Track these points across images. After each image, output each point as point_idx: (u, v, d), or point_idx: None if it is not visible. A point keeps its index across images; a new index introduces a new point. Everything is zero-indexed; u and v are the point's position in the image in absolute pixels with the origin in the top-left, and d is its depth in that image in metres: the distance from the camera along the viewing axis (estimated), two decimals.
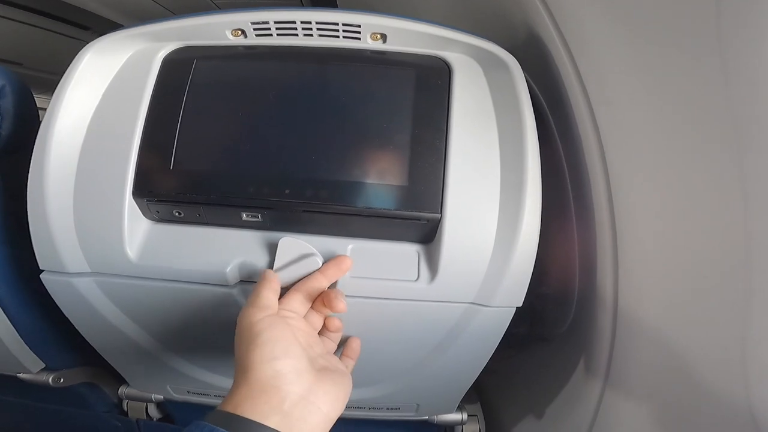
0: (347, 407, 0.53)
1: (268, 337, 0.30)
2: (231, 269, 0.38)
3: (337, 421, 0.32)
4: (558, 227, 0.45)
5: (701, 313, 0.34)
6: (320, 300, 0.36)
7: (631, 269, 0.38)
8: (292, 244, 0.37)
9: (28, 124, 0.47)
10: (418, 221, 0.38)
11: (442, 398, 0.53)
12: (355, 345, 0.41)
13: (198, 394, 0.54)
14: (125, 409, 0.64)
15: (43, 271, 0.41)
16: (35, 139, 0.39)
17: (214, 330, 0.44)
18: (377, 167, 0.38)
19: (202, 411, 0.37)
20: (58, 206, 0.39)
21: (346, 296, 0.36)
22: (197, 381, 0.51)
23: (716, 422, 0.33)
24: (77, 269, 0.40)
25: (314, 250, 0.37)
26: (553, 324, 0.54)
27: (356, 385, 0.50)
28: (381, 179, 0.37)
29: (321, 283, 0.36)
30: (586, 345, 0.48)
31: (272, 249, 0.38)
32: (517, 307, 0.40)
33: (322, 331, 0.37)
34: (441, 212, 0.38)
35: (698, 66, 0.30)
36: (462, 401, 0.56)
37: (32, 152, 0.39)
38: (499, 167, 0.38)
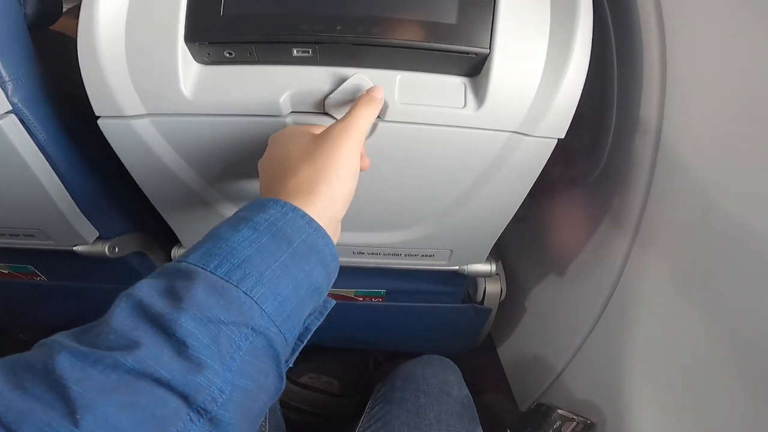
0: (385, 254, 0.55)
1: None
2: (284, 99, 0.40)
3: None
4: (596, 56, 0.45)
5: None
6: None
7: (680, 91, 0.40)
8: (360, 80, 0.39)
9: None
10: (467, 55, 0.38)
11: (475, 244, 0.56)
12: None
13: None
14: None
15: (99, 117, 0.42)
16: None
17: None
18: (428, 4, 0.38)
19: None
20: (111, 54, 0.40)
21: (396, 121, 0.39)
22: None
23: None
24: (133, 111, 0.42)
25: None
26: (587, 164, 0.56)
27: (394, 227, 0.53)
28: (430, 16, 0.38)
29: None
30: (619, 191, 0.50)
31: (322, 81, 0.40)
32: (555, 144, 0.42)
33: None
34: (490, 47, 0.38)
35: None
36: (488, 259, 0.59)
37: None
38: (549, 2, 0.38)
